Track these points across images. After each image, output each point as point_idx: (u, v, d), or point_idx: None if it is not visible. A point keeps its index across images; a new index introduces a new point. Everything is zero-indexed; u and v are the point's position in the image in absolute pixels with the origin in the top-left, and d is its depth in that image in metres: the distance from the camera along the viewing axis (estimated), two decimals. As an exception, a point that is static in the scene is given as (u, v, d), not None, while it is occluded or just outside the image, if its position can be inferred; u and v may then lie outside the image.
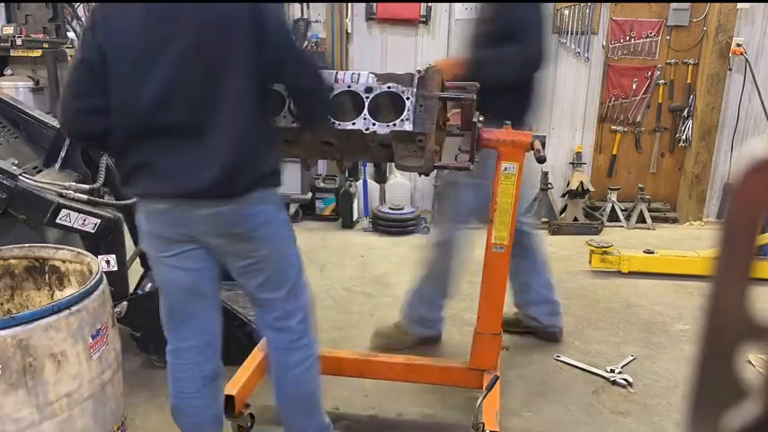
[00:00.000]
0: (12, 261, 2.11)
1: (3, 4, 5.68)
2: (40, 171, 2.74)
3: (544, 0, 2.88)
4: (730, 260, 0.49)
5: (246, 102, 1.78)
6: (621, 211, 5.75)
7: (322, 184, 5.68)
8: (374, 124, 2.11)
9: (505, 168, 2.33)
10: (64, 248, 2.11)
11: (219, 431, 2.15)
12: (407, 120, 2.09)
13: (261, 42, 1.76)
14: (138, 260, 3.02)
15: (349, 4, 5.61)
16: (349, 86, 2.16)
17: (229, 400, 2.33)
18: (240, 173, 1.80)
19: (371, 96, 2.13)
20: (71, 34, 5.60)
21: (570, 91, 5.84)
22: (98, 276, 1.85)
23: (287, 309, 2.02)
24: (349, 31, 5.67)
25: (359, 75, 2.17)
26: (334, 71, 2.18)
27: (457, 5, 5.65)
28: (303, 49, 1.82)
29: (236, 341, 2.75)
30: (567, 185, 5.72)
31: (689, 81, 5.71)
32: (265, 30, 1.76)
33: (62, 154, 2.79)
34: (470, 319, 3.06)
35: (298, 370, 2.07)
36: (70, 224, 2.48)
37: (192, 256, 1.94)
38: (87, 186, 2.61)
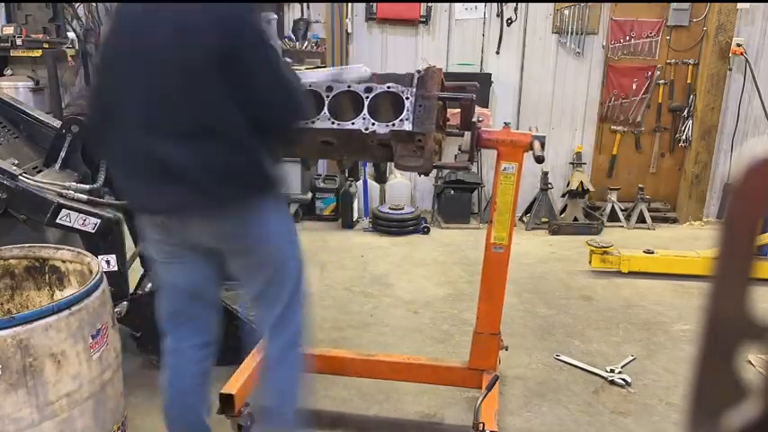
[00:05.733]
0: (12, 261, 2.11)
1: (3, 3, 5.67)
2: (40, 171, 2.74)
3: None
4: (730, 260, 0.49)
5: (220, 117, 1.75)
6: (621, 211, 5.75)
7: (322, 184, 5.68)
8: (374, 124, 2.11)
9: (504, 168, 2.33)
10: (64, 248, 2.11)
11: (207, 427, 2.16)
12: (407, 119, 2.09)
13: (236, 71, 1.70)
14: (138, 260, 3.02)
15: (349, 4, 5.61)
16: (349, 86, 2.16)
17: (229, 399, 2.33)
18: (222, 184, 1.79)
19: (371, 96, 2.13)
20: (71, 34, 5.60)
21: (570, 91, 5.84)
22: (98, 276, 1.85)
23: (288, 306, 2.01)
24: (349, 31, 5.67)
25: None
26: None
27: (457, 5, 5.66)
28: (285, 81, 1.78)
29: (235, 341, 2.75)
30: (567, 185, 5.72)
31: (689, 81, 5.71)
32: (240, 59, 1.70)
33: (62, 154, 2.79)
34: (470, 319, 3.06)
35: (290, 370, 2.06)
36: (70, 224, 2.48)
37: (193, 262, 1.96)
38: (87, 186, 2.61)
